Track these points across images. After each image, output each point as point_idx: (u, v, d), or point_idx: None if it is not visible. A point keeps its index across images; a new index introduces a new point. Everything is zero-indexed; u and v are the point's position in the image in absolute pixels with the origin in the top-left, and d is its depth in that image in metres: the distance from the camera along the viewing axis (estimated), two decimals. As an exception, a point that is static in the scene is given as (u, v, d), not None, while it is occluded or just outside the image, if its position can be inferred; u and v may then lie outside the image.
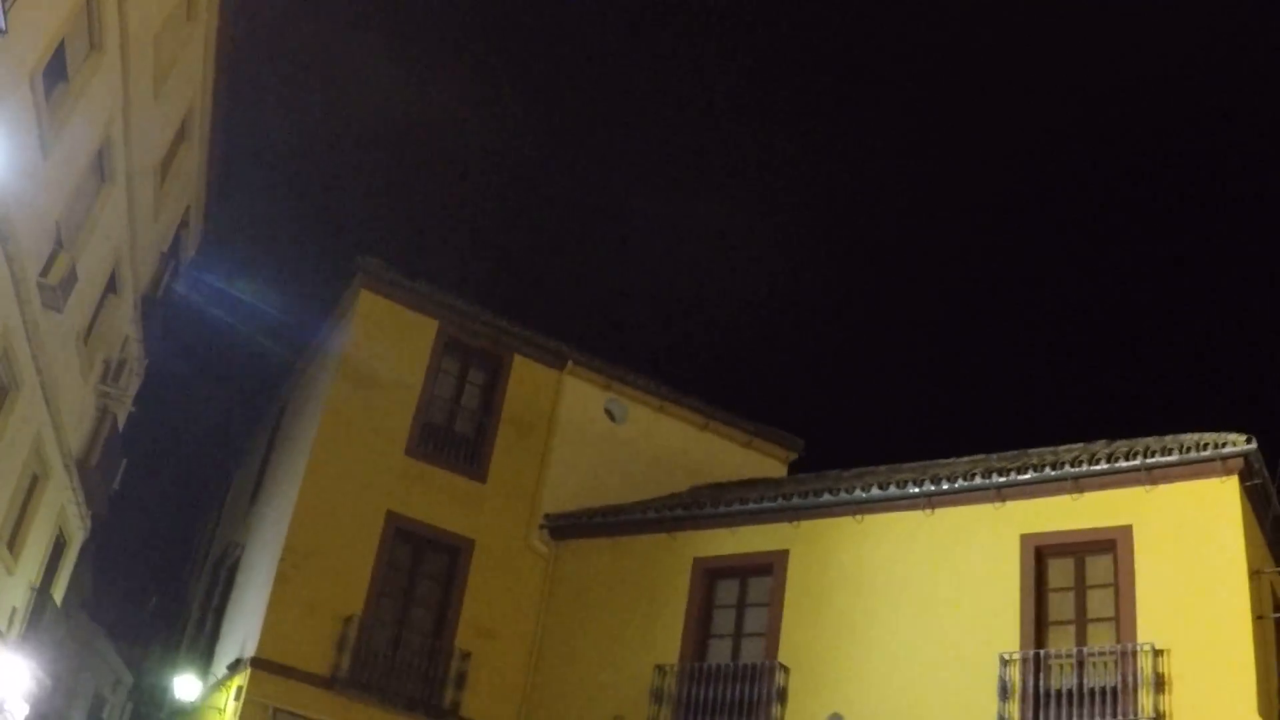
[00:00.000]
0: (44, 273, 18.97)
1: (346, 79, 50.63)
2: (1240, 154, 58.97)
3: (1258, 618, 18.38)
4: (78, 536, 27.71)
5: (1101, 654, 19.17)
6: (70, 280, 19.58)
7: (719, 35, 60.09)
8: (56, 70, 17.77)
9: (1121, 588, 19.40)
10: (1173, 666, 18.46)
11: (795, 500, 23.59)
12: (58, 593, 27.41)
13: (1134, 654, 18.75)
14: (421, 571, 25.47)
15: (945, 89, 60.73)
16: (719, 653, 23.66)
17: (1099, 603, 19.77)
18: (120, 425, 26.86)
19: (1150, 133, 59.48)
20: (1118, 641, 19.14)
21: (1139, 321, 60.06)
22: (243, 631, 24.91)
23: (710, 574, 24.38)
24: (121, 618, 40.48)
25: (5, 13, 13.92)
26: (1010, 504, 21.16)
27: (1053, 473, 20.65)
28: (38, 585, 24.92)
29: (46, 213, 18.75)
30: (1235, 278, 59.62)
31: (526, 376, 27.73)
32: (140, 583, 42.12)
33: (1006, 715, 19.52)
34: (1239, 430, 19.30)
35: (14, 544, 22.77)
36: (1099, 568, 19.97)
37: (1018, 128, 60.99)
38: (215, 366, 39.89)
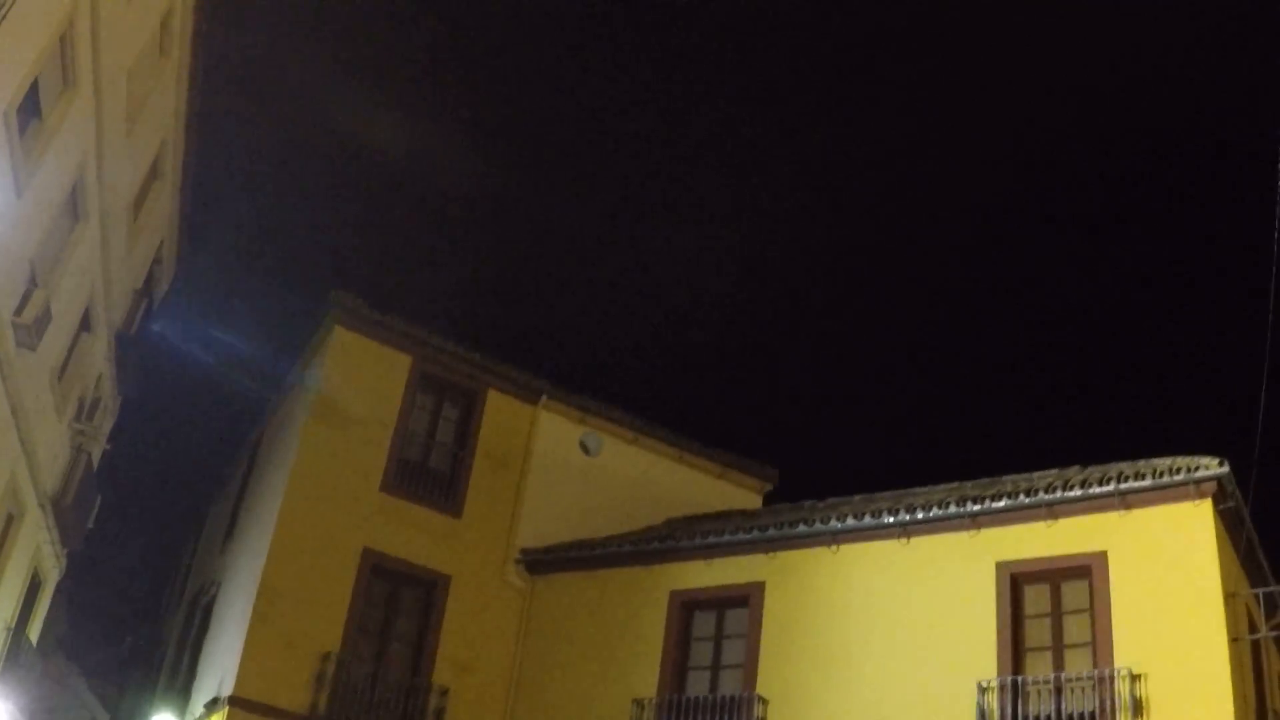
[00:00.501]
0: (18, 311, 18.94)
1: (319, 114, 50.63)
2: (1209, 181, 59.36)
3: (1233, 640, 18.48)
4: (53, 575, 27.62)
5: (1079, 679, 19.24)
6: (44, 318, 19.55)
7: (689, 70, 60.33)
8: (30, 108, 17.79)
9: (1098, 613, 19.48)
10: (1150, 691, 18.55)
11: (770, 531, 23.63)
12: (33, 632, 27.31)
13: (1111, 679, 18.82)
14: (398, 607, 25.40)
15: (916, 130, 61.02)
16: (697, 685, 23.64)
17: (1075, 628, 19.85)
18: (95, 463, 26.79)
19: (1117, 160, 59.88)
20: (1095, 667, 19.22)
21: (1111, 347, 60.36)
22: (220, 669, 24.80)
23: (687, 606, 24.39)
24: (97, 656, 40.21)
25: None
26: (985, 531, 21.24)
27: (1027, 499, 20.74)
28: (13, 625, 24.82)
29: (20, 251, 18.75)
30: (1207, 303, 59.94)
31: (501, 411, 27.73)
32: (116, 621, 41.86)
33: (985, 742, 19.61)
34: (1212, 454, 19.42)
35: (-11, 583, 22.73)
36: (1075, 593, 20.05)
37: (987, 161, 61.30)
38: (189, 403, 39.79)
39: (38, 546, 25.31)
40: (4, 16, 14.50)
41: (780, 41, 59.47)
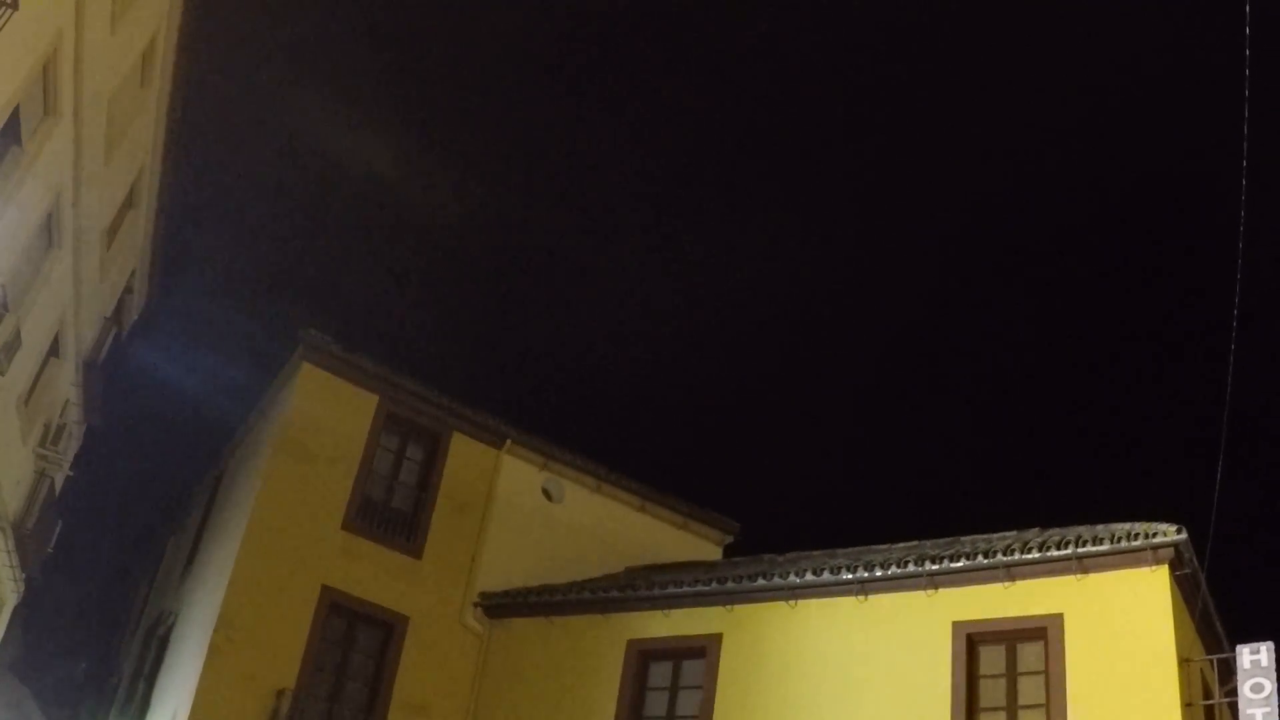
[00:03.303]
0: (-12, 336, 19.00)
1: (295, 147, 50.76)
2: (1171, 246, 59.79)
3: (1187, 705, 18.57)
4: (10, 599, 27.47)
5: (1032, 741, 19.35)
6: (14, 343, 19.60)
7: (655, 112, 60.67)
8: (10, 135, 17.88)
9: (1052, 675, 19.57)
10: (1103, 754, 18.66)
11: (730, 584, 23.68)
12: (-11, 654, 27.18)
13: (1064, 741, 18.93)
14: (356, 646, 25.37)
15: (887, 179, 61.43)
16: (652, 734, 23.70)
17: (1030, 690, 19.91)
18: (57, 488, 26.74)
19: (1077, 222, 60.37)
20: (1048, 728, 19.32)
21: (1072, 412, 60.63)
22: (174, 701, 24.70)
23: (644, 656, 24.41)
24: (51, 681, 39.97)
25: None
26: (943, 591, 21.35)
27: (985, 561, 20.87)
28: (-32, 647, 24.73)
29: (-7, 276, 18.79)
30: (1167, 369, 60.46)
31: (465, 454, 27.79)
32: (71, 646, 41.61)
33: (936, 802, 19.67)
34: (1169, 520, 19.59)
35: (-54, 604, 22.65)
36: (1030, 655, 20.14)
37: (948, 223, 61.73)
38: (154, 432, 39.77)
39: (-4, 569, 25.23)
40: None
41: (765, 85, 59.92)
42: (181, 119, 25.93)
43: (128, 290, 29.07)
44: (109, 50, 20.65)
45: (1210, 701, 19.68)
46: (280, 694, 23.76)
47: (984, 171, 60.85)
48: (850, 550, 24.38)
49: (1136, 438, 59.16)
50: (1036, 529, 22.17)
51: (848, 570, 22.36)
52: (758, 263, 62.79)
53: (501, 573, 26.95)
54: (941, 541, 23.27)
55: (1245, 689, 18.39)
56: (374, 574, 25.67)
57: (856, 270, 62.18)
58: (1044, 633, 20.02)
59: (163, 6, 22.88)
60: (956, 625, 20.93)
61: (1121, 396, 60.63)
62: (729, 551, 30.07)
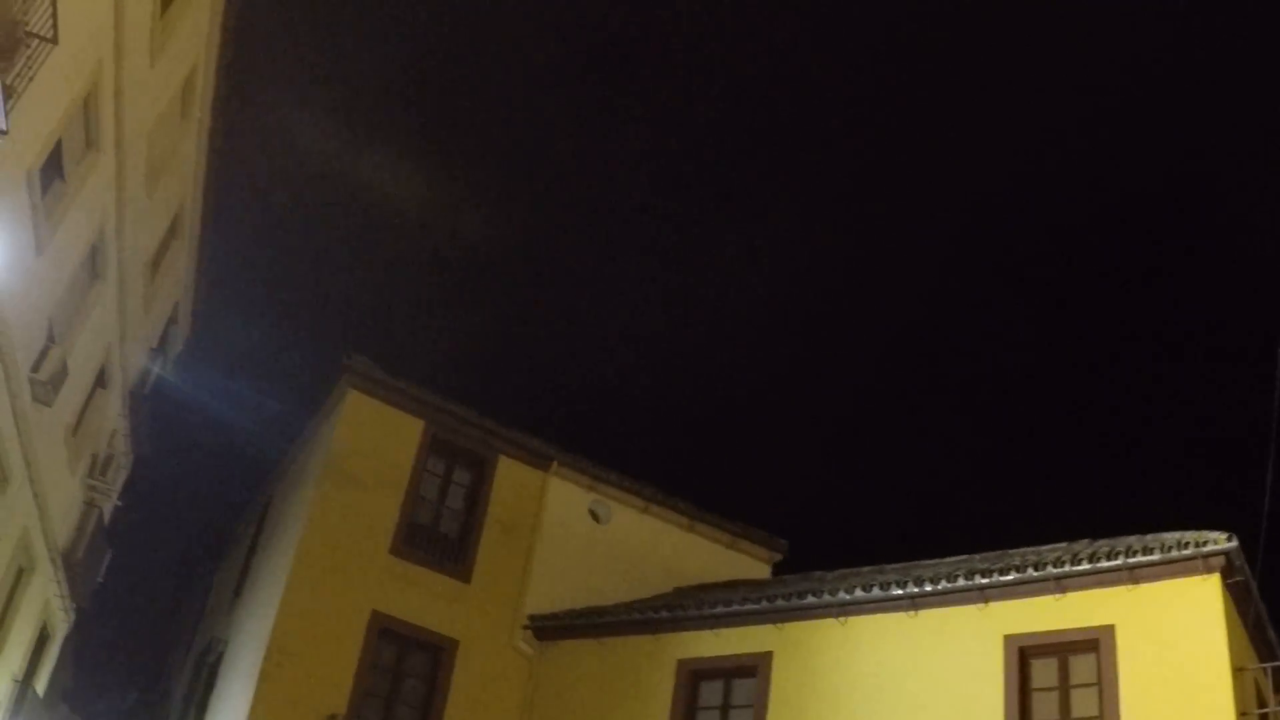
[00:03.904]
0: (35, 368, 19.11)
1: (335, 176, 51.05)
2: (1219, 252, 59.46)
3: (1241, 714, 18.37)
4: (61, 628, 27.66)
5: (1086, 754, 19.21)
6: (61, 375, 19.72)
7: (688, 132, 60.76)
8: (53, 169, 18.02)
9: (1105, 687, 19.41)
10: (1157, 766, 18.50)
11: (779, 602, 23.59)
12: (40, 684, 27.30)
13: (1118, 754, 18.77)
14: (406, 671, 25.39)
15: (924, 184, 61.31)
16: (704, 754, 23.64)
17: (1083, 703, 19.75)
18: (106, 518, 26.90)
19: (1122, 230, 60.07)
20: (1102, 741, 19.18)
21: (1121, 421, 60.33)
22: (225, 729, 24.83)
23: (694, 676, 24.34)
24: (103, 710, 40.14)
25: (6, 114, 14.15)
26: (993, 605, 21.20)
27: (1035, 573, 20.71)
28: (20, 677, 24.84)
29: (39, 308, 18.92)
30: (1216, 377, 60.04)
31: (512, 477, 27.80)
32: (122, 676, 41.82)
33: (991, 817, 19.54)
34: (1220, 528, 19.41)
35: (-3, 635, 22.80)
36: (1082, 667, 19.97)
37: (992, 234, 61.51)
38: (201, 461, 39.96)
39: (47, 600, 25.37)
40: (30, 80, 14.71)
41: (768, 90, 59.92)
42: (221, 150, 26.08)
43: (172, 321, 29.26)
44: (149, 83, 20.81)
45: (1265, 710, 19.46)
46: (331, 719, 23.79)
47: (1027, 185, 60.65)
48: (900, 565, 24.29)
49: (1186, 446, 58.79)
50: (1086, 540, 22.01)
51: (897, 585, 22.25)
52: (800, 278, 62.73)
53: (550, 595, 26.92)
54: (991, 554, 23.12)
55: (1300, 697, 18.24)
56: (423, 598, 25.69)
57: (901, 282, 62.05)
58: (1096, 644, 19.85)
59: (201, 39, 23.05)
60: (1008, 639, 20.77)
61: (1168, 403, 60.38)
62: (778, 570, 29.94)
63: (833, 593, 23.00)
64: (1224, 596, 19.20)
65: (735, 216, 62.82)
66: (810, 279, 62.66)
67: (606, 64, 59.79)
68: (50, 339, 19.69)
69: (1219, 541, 19.26)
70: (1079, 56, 57.47)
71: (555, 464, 28.19)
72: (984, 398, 61.62)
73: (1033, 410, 61.30)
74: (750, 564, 29.70)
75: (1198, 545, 19.38)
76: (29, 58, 14.57)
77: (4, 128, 14.30)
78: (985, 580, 21.25)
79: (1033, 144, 60.33)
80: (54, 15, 14.39)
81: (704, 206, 62.89)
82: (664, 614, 25.08)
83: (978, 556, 23.28)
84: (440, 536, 26.78)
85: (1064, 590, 20.50)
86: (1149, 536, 20.64)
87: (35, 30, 14.38)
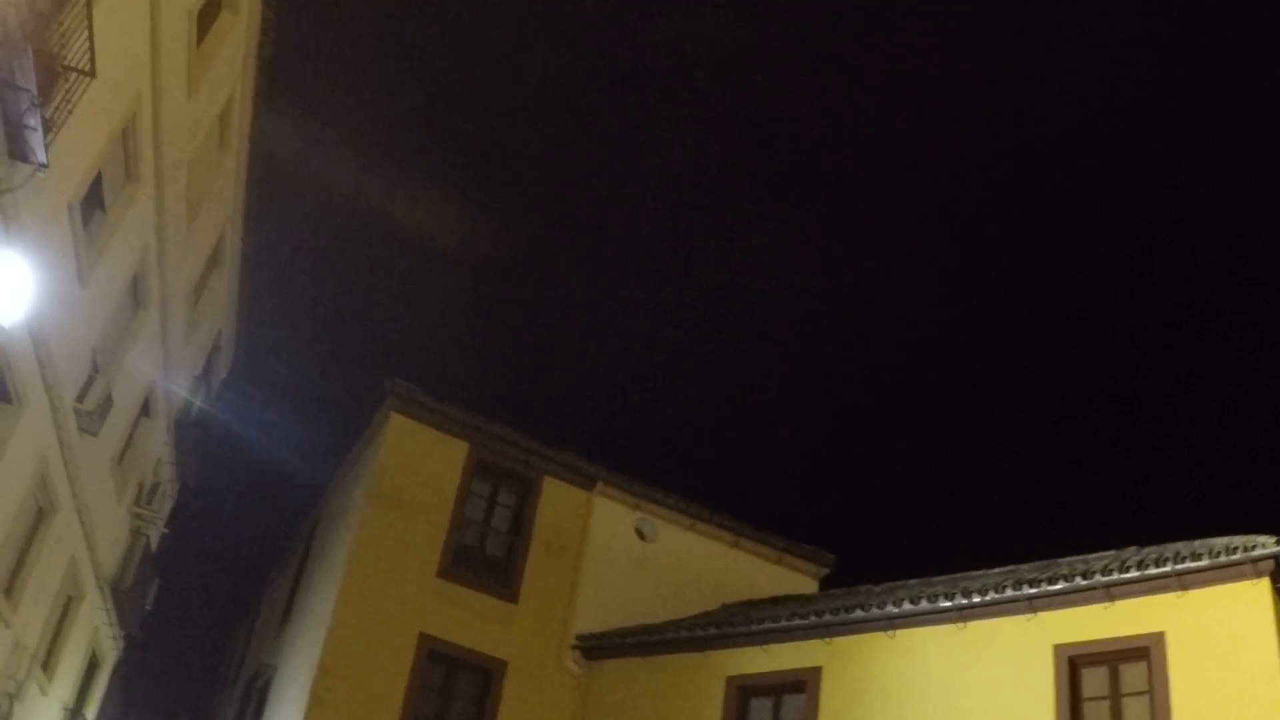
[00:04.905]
0: (80, 398, 19.27)
1: (373, 202, 51.27)
2: (1265, 258, 59.21)
3: (1294, 720, 18.26)
4: (110, 656, 27.82)
5: (1140, 763, 19.07)
6: (106, 405, 19.87)
7: (727, 135, 60.80)
8: (94, 200, 18.17)
9: (1156, 695, 19.25)
10: (1212, 772, 18.35)
11: (827, 617, 23.51)
12: (90, 711, 27.47)
13: (1172, 762, 18.63)
14: (455, 693, 25.42)
15: (968, 191, 61.18)
16: (755, 771, 23.57)
17: (1135, 711, 19.58)
18: (153, 546, 27.05)
19: (1167, 230, 59.84)
20: (1155, 750, 19.03)
21: (1166, 427, 60.03)
22: (276, 754, 24.89)
23: (744, 692, 24.27)
24: (152, 738, 40.39)
25: (46, 147, 14.27)
26: (1042, 615, 21.06)
27: (1084, 582, 20.56)
28: (71, 705, 25.01)
29: (83, 339, 19.08)
30: (1261, 380, 59.69)
31: (557, 497, 27.81)
32: (171, 702, 42.02)
33: (1045, 828, 19.41)
34: (1268, 532, 19.27)
35: (48, 664, 22.94)
36: (1133, 676, 19.81)
37: (1047, 243, 61.32)
38: (247, 487, 40.16)
39: (96, 628, 25.55)
40: (69, 113, 14.83)
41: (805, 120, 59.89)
42: (259, 177, 26.24)
43: (215, 348, 29.44)
44: (187, 114, 20.97)
45: (1319, 715, 19.32)
46: (382, 743, 23.86)
47: (1095, 197, 60.47)
48: (947, 577, 24.19)
49: (1231, 449, 58.50)
50: (1134, 547, 21.84)
51: (945, 598, 22.14)
52: (847, 293, 62.70)
53: (598, 614, 26.90)
54: (1038, 564, 22.98)
55: (1354, 702, 18.05)
56: (471, 620, 25.72)
57: (948, 294, 61.93)
58: (1146, 652, 19.69)
59: (237, 69, 23.21)
60: (1058, 648, 20.62)
61: (1214, 408, 60.04)
62: (825, 584, 29.85)
63: (880, 606, 22.92)
64: (1274, 600, 19.04)
65: (776, 231, 62.86)
66: (855, 293, 62.63)
67: (633, 88, 60.07)
68: (95, 369, 19.84)
69: (1268, 545, 19.08)
70: (1101, 66, 57.45)
71: (600, 483, 28.20)
72: (1028, 407, 61.45)
73: (1077, 418, 61.07)
74: (797, 579, 29.62)
75: (1246, 549, 19.21)
76: (67, 91, 14.69)
77: (44, 161, 14.43)
78: (1033, 590, 21.12)
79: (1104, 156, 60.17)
80: (91, 48, 14.50)
81: (741, 220, 62.92)
82: (712, 631, 25.02)
83: (1025, 566, 23.14)
84: (487, 558, 26.83)
85: (1113, 598, 20.35)
86: (1197, 542, 20.50)
87: (73, 64, 14.50)
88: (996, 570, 23.71)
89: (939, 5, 56.58)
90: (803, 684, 23.50)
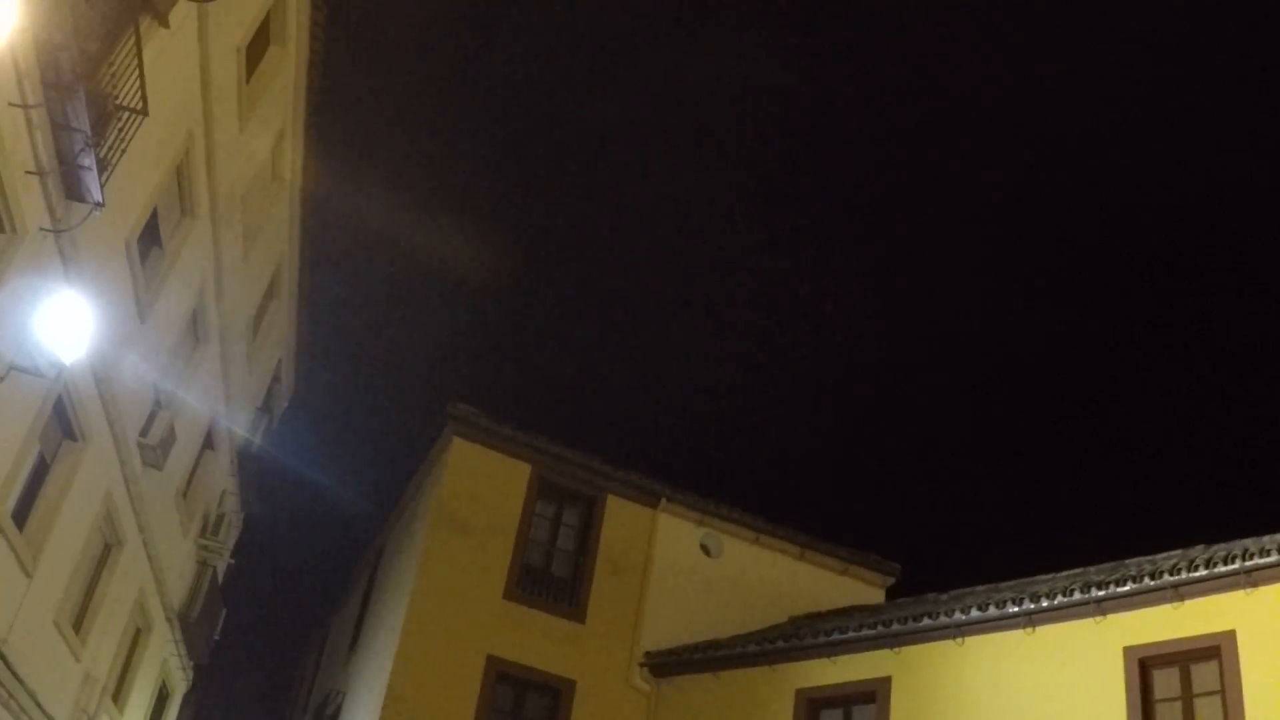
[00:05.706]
0: (144, 433, 19.45)
1: (424, 227, 51.52)
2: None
3: (1368, 718, 18.08)
4: (180, 687, 28.00)
5: (1215, 763, 18.90)
6: (169, 439, 20.04)
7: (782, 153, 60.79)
8: (150, 237, 18.35)
9: (1229, 694, 19.07)
10: (1289, 769, 18.16)
11: (895, 626, 23.43)
12: (160, 743, 27.69)
13: (1248, 761, 18.45)
14: (524, 714, 25.44)
15: (1028, 220, 60.97)
16: (827, 783, 23.51)
17: (1207, 711, 19.41)
18: (220, 577, 27.24)
19: (1218, 236, 59.44)
20: (1230, 750, 18.86)
21: (1229, 423, 59.58)
22: (348, 780, 24.99)
23: (814, 704, 24.21)
24: (224, 768, 40.59)
25: (101, 186, 14.42)
26: (1111, 617, 20.91)
27: (1152, 582, 20.40)
28: (142, 737, 25.22)
29: (145, 375, 19.25)
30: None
31: (621, 515, 27.84)
32: (242, 732, 42.31)
33: (1122, 832, 19.27)
34: (1336, 523, 19.10)
35: (119, 696, 23.12)
36: (1205, 675, 19.64)
37: (1101, 248, 61.02)
38: (311, 515, 40.37)
39: (165, 659, 25.74)
40: (123, 152, 14.98)
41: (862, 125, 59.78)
42: (314, 208, 26.41)
43: (276, 379, 29.65)
44: (239, 148, 21.14)
45: (1396, 709, 19.11)
46: (453, 766, 23.92)
47: (1144, 197, 60.17)
48: (1014, 583, 24.06)
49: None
50: (1201, 545, 21.65)
51: (1013, 603, 22.02)
52: (899, 301, 62.52)
53: (665, 631, 26.90)
54: (1106, 566, 22.83)
55: None
56: (538, 641, 25.76)
57: (1008, 298, 61.66)
58: (1217, 651, 19.50)
59: (288, 101, 23.39)
60: (1128, 650, 20.46)
61: (1275, 402, 59.56)
62: (891, 594, 29.74)
63: (949, 614, 22.82)
64: (1346, 594, 18.89)
65: (835, 248, 62.84)
66: (913, 305, 62.45)
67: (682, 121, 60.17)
68: (157, 404, 20.03)
69: (1338, 538, 18.95)
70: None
71: (664, 500, 28.20)
72: (1089, 409, 61.06)
73: (1140, 418, 60.66)
74: (863, 589, 29.54)
75: (1316, 543, 19.07)
76: (120, 130, 14.84)
77: (100, 200, 14.58)
78: (1101, 592, 20.97)
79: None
80: (142, 87, 14.66)
81: (793, 243, 62.93)
82: (780, 644, 24.98)
83: (1093, 568, 23.00)
84: (552, 578, 26.87)
85: (1182, 598, 20.17)
86: (1265, 538, 20.28)
87: (125, 103, 14.65)
88: (1064, 573, 23.58)
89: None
90: (872, 694, 23.43)
